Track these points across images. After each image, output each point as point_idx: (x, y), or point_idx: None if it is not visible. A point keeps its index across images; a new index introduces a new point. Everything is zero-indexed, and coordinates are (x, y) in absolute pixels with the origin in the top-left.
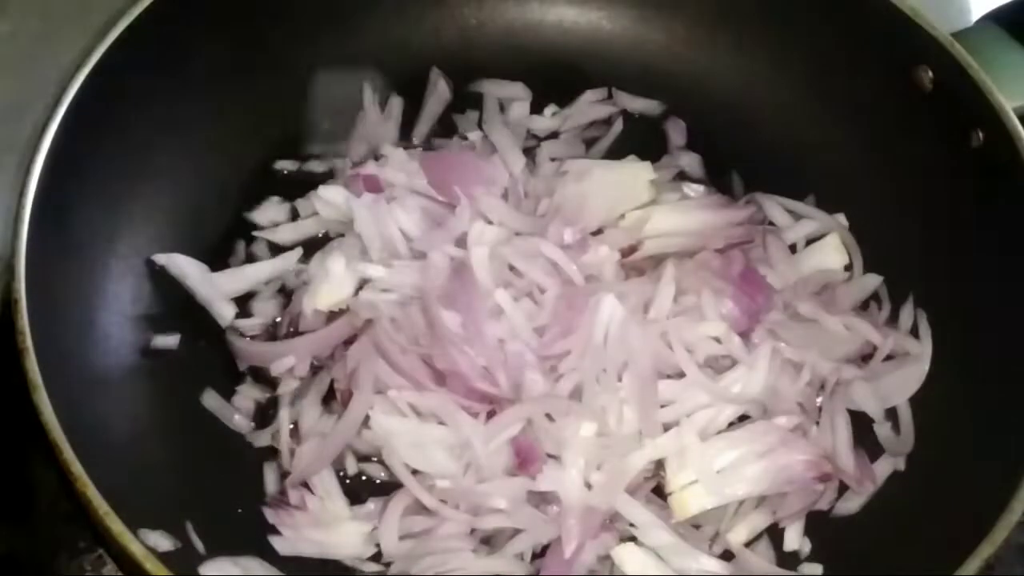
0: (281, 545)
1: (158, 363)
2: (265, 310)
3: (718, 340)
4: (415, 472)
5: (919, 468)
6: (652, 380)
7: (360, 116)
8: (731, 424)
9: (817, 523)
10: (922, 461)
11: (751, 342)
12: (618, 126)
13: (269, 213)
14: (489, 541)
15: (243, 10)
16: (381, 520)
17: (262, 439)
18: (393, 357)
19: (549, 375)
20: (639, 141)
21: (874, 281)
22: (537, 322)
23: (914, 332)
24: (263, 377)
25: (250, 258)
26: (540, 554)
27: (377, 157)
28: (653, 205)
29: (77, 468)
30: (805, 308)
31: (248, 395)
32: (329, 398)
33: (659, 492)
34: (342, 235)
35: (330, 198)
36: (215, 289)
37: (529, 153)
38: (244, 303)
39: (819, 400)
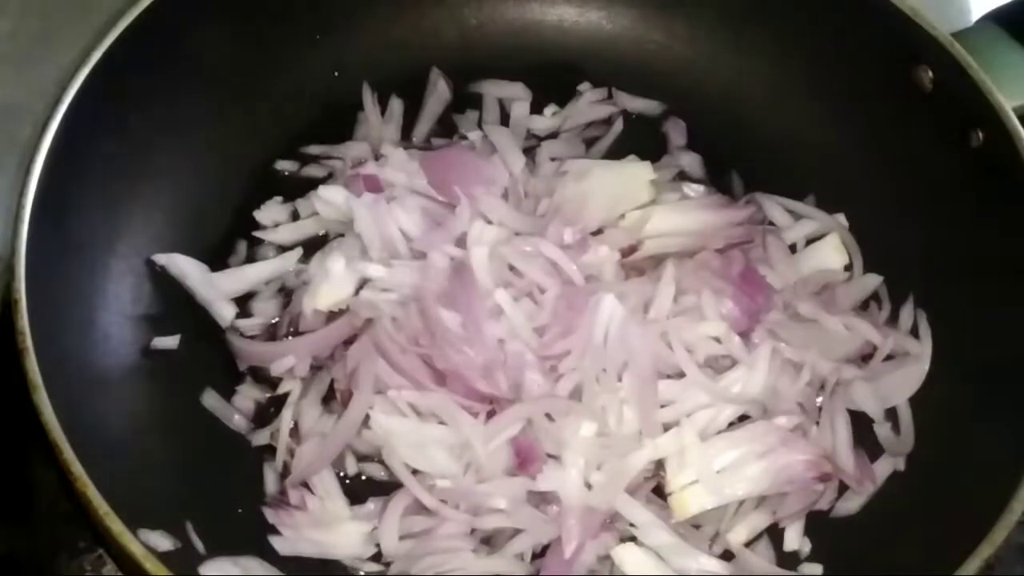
0: (281, 545)
1: (158, 363)
2: (265, 310)
3: (718, 340)
4: (415, 472)
5: (919, 468)
6: (652, 380)
7: (360, 116)
8: (731, 424)
9: (817, 523)
10: (922, 461)
11: (751, 342)
12: (618, 126)
13: (269, 213)
14: (489, 541)
15: (243, 10)
16: (381, 520)
17: (262, 438)
18: (393, 357)
19: (549, 375)
20: (639, 141)
21: (874, 281)
22: (537, 322)
23: (914, 332)
24: (263, 377)
25: (250, 258)
26: (540, 554)
27: (377, 157)
28: (653, 205)
29: (77, 468)
30: (805, 308)
31: (248, 395)
32: (329, 398)
33: (659, 492)
34: (342, 235)
35: (330, 198)
36: (215, 289)
37: (529, 153)
38: (244, 303)
39: (819, 400)
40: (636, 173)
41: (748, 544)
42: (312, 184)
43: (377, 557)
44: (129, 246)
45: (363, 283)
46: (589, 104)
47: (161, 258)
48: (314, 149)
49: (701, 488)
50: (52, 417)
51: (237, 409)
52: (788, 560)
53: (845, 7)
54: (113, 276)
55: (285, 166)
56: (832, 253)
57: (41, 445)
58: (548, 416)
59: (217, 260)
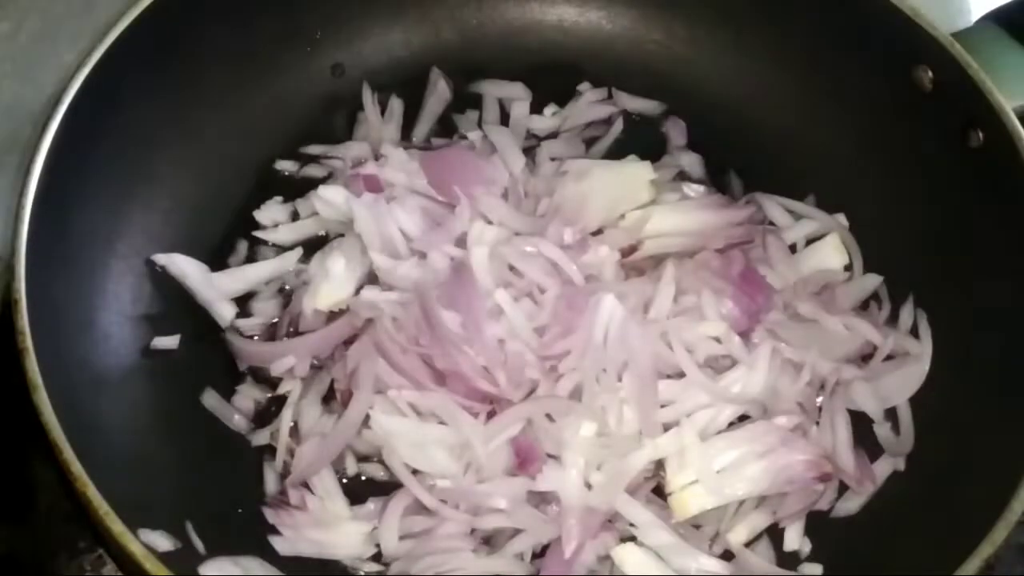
0: (281, 545)
1: (158, 363)
2: (265, 310)
3: (718, 340)
4: (415, 472)
5: (919, 468)
6: (652, 380)
7: (360, 116)
8: (731, 424)
9: (817, 523)
10: (922, 461)
11: (751, 342)
12: (618, 126)
13: (270, 213)
14: (489, 541)
15: (243, 10)
16: (381, 520)
17: (262, 438)
18: (393, 357)
19: (549, 375)
20: (639, 141)
21: (874, 281)
22: (537, 322)
23: (914, 332)
24: (263, 377)
25: (250, 258)
26: (540, 554)
27: (377, 157)
28: (653, 205)
29: (77, 468)
30: (805, 308)
31: (248, 395)
32: (329, 398)
33: (659, 492)
34: (342, 235)
35: (330, 198)
36: (215, 289)
37: (529, 153)
38: (244, 303)
39: (819, 400)
40: (636, 173)
41: (748, 544)
42: (312, 184)
43: (377, 557)
44: (129, 246)
45: (363, 283)
46: (589, 104)
47: (161, 258)
48: (314, 149)
49: (701, 488)
50: (52, 417)
51: (237, 409)
52: (788, 560)
53: (845, 7)
54: (113, 276)
55: (285, 166)
56: (832, 253)
57: (41, 445)
58: (548, 416)
59: (217, 260)
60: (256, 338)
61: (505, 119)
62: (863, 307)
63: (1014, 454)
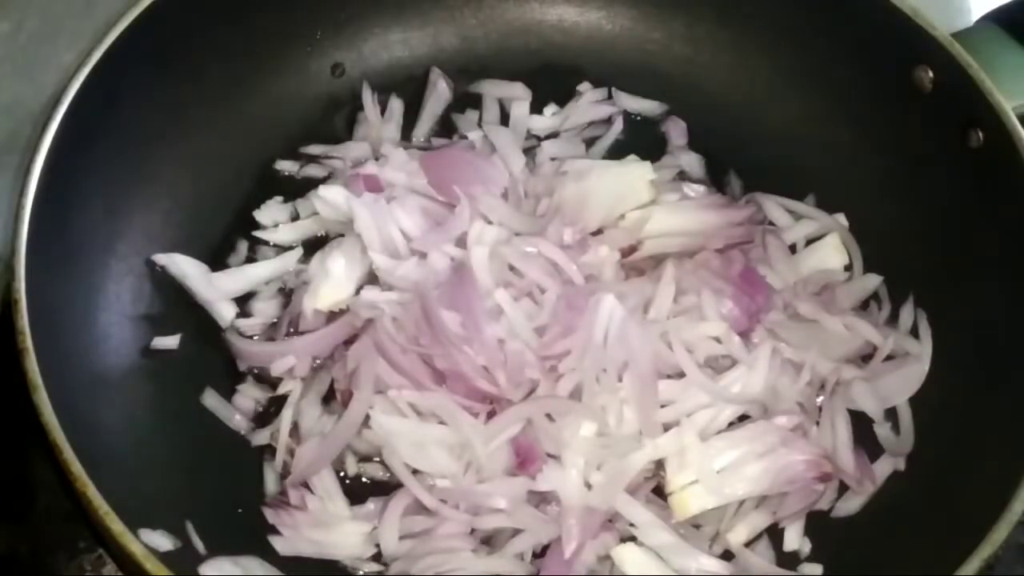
0: (281, 545)
1: (158, 363)
2: (265, 310)
3: (718, 340)
4: (415, 472)
5: (919, 468)
6: (652, 380)
7: (360, 116)
8: (731, 424)
9: (817, 523)
10: (922, 461)
11: (751, 342)
12: (618, 126)
13: (270, 213)
14: (489, 541)
15: (243, 10)
16: (381, 520)
17: (262, 438)
18: (393, 357)
19: (549, 375)
20: (639, 141)
21: (874, 281)
22: (537, 322)
23: (914, 332)
24: (263, 377)
25: (250, 258)
26: (540, 554)
27: (377, 157)
28: (653, 205)
29: (77, 468)
30: (805, 308)
31: (248, 395)
32: (329, 398)
33: (659, 492)
34: (342, 235)
35: (330, 198)
36: (215, 289)
37: (529, 153)
38: (244, 303)
39: (819, 400)
40: (636, 173)
41: (748, 544)
42: (312, 184)
43: (377, 557)
44: (129, 246)
45: (363, 283)
46: (589, 104)
47: (161, 258)
48: (314, 149)
49: (701, 488)
50: (52, 417)
51: (237, 409)
52: (788, 560)
53: (845, 7)
54: (113, 276)
55: (285, 166)
56: (832, 253)
57: (41, 445)
58: (548, 416)
59: (217, 260)
60: (256, 338)
61: (505, 119)
62: (863, 307)
63: (1014, 454)
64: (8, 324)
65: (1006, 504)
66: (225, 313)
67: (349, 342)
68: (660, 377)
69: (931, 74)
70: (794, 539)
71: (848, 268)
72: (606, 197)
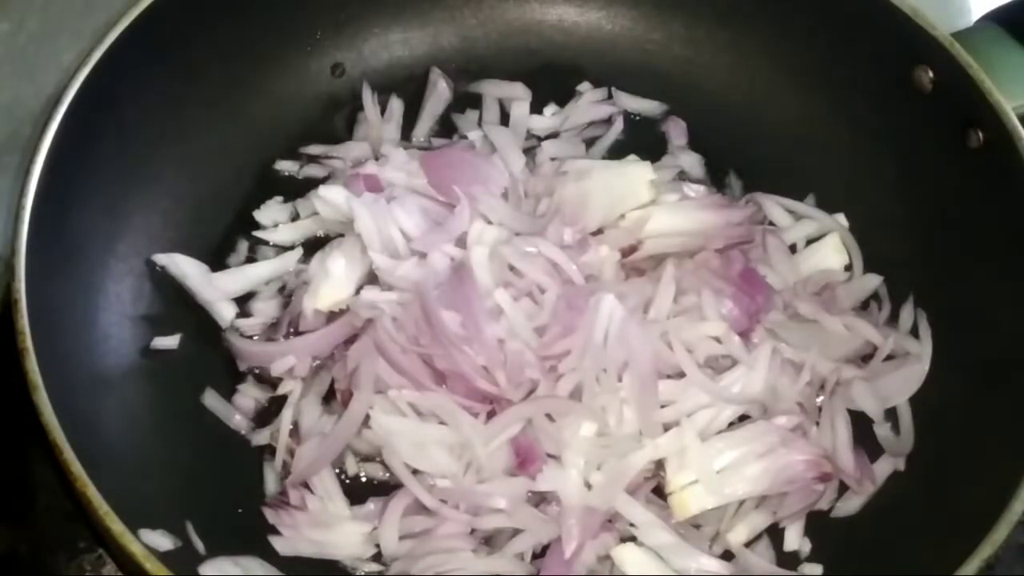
0: (281, 545)
1: (158, 363)
2: (265, 310)
3: (718, 340)
4: (415, 472)
5: (919, 468)
6: (652, 380)
7: (360, 116)
8: (731, 424)
9: (817, 523)
10: (922, 461)
11: (751, 342)
12: (618, 126)
13: (270, 213)
14: (489, 541)
15: (243, 10)
16: (381, 520)
17: (262, 438)
18: (393, 357)
19: (549, 375)
20: (639, 141)
21: (874, 281)
22: (537, 322)
23: (914, 332)
24: (263, 377)
25: (250, 258)
26: (540, 554)
27: (377, 157)
28: (653, 205)
29: (77, 468)
30: (805, 308)
31: (249, 395)
32: (329, 398)
33: (659, 492)
34: (342, 235)
35: (330, 198)
36: (215, 289)
37: (529, 153)
38: (244, 303)
39: (819, 400)
40: (636, 173)
41: (748, 544)
42: (312, 184)
43: (377, 557)
44: (129, 246)
45: (363, 283)
46: (589, 104)
47: (161, 258)
48: (314, 149)
49: (701, 488)
50: (52, 417)
51: (237, 409)
52: (788, 560)
53: (845, 7)
54: (113, 276)
55: (285, 166)
56: (832, 253)
57: (41, 445)
58: (548, 416)
59: (217, 260)
60: (256, 338)
61: (505, 119)
62: (863, 307)
63: (1014, 454)
64: (8, 324)
65: (1006, 504)
66: (225, 313)
67: (349, 342)
68: (660, 377)
69: (931, 74)
70: (794, 539)
71: (848, 268)
72: (606, 197)
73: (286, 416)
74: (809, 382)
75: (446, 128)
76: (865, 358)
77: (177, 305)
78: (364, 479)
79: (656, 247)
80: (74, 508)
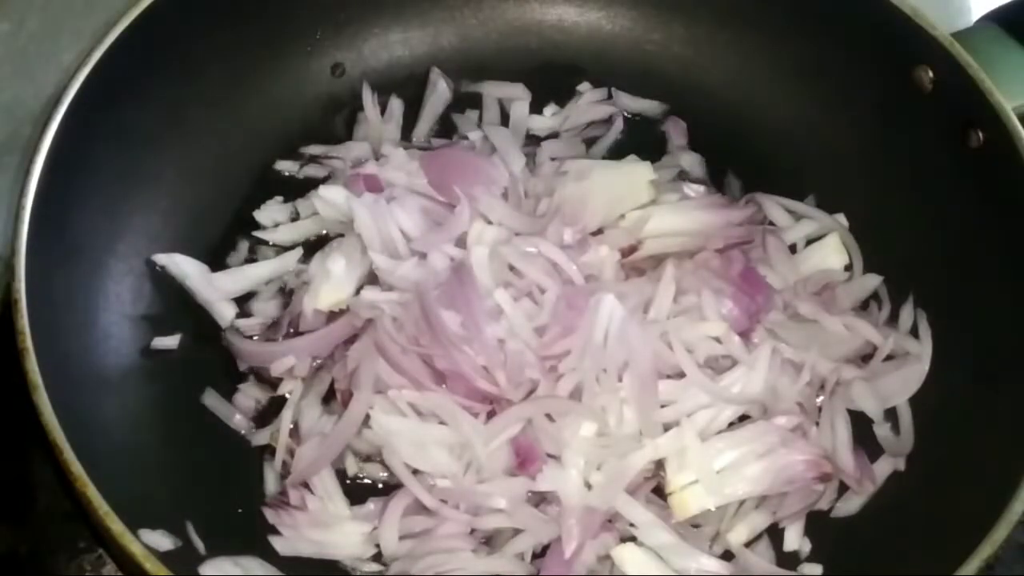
0: (281, 545)
1: (158, 363)
2: (265, 310)
3: (718, 340)
4: (415, 472)
5: (919, 468)
6: (652, 380)
7: (360, 116)
8: (731, 424)
9: (817, 523)
10: (922, 461)
11: (751, 342)
12: (618, 126)
13: (270, 213)
14: (489, 541)
15: (243, 10)
16: (381, 520)
17: (262, 438)
18: (393, 357)
19: (549, 375)
20: (639, 141)
21: (874, 281)
22: (537, 322)
23: (914, 332)
24: (263, 377)
25: (250, 258)
26: (540, 554)
27: (377, 157)
28: (653, 205)
29: (77, 468)
30: (805, 308)
31: (249, 395)
32: (329, 398)
33: (659, 492)
34: (342, 235)
35: (330, 198)
36: (215, 289)
37: (529, 153)
38: (244, 303)
39: (819, 400)
40: (636, 173)
41: (748, 544)
42: (312, 184)
43: (377, 557)
44: (129, 246)
45: (363, 283)
46: (589, 104)
47: (161, 258)
48: (314, 149)
49: (701, 488)
50: (52, 417)
51: (237, 409)
52: (788, 560)
53: (845, 7)
54: (113, 276)
55: (285, 166)
56: (832, 253)
57: (41, 445)
58: (548, 416)
59: (217, 260)
60: (256, 338)
61: (505, 119)
62: (863, 307)
63: (1014, 454)
64: (8, 324)
65: (1006, 504)
66: (225, 313)
67: (349, 342)
68: (660, 377)
69: (931, 74)
70: (794, 539)
71: (848, 268)
72: (606, 197)
73: (286, 416)
74: (809, 382)
75: (446, 128)
76: (865, 358)
77: (177, 305)
78: (364, 479)
79: (656, 247)
80: (74, 508)
